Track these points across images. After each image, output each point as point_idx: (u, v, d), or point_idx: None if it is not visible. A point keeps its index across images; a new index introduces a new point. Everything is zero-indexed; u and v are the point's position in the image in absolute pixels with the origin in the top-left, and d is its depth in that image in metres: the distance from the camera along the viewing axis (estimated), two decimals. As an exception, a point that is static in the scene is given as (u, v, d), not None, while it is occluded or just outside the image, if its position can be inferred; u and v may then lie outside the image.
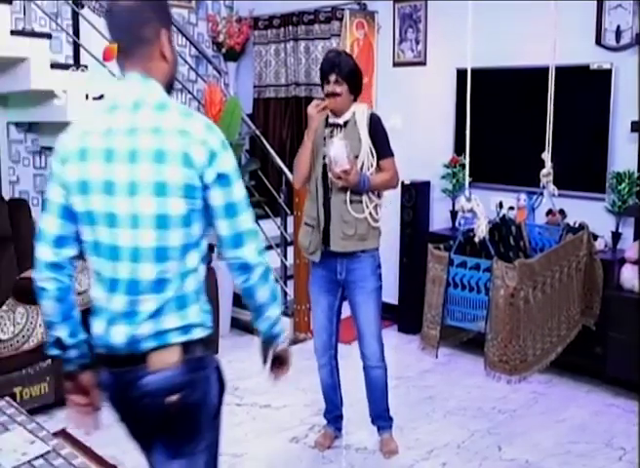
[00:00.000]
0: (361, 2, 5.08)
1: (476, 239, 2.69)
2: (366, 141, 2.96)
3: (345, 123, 3.00)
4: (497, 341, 2.60)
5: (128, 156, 1.57)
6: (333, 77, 2.93)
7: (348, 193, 2.93)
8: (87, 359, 1.75)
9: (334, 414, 3.34)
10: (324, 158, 2.95)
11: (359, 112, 2.99)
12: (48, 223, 1.67)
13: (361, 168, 2.94)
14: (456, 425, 3.49)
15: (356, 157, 2.92)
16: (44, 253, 1.67)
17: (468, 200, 2.66)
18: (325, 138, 3.02)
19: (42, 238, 1.68)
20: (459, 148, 4.63)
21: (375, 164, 2.99)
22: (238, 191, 1.64)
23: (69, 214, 1.66)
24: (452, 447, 3.27)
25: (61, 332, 1.71)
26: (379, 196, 3.05)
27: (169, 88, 1.71)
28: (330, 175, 2.93)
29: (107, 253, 1.62)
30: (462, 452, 3.22)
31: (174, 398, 1.62)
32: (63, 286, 1.69)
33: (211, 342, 1.73)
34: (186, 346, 1.64)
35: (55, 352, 1.75)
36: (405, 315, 4.74)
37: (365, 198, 2.97)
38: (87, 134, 1.63)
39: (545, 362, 2.86)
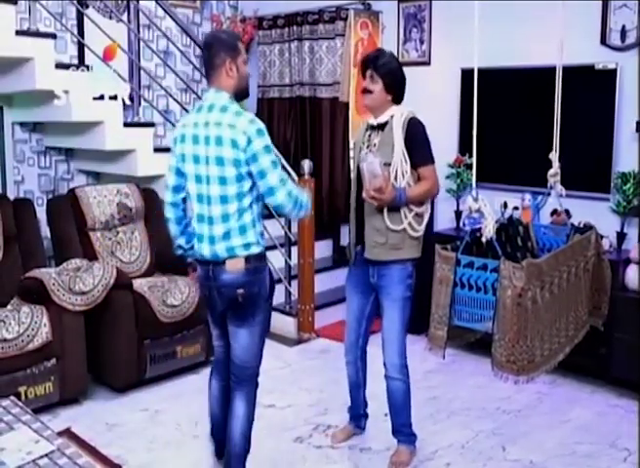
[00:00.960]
0: (365, 2, 5.08)
1: (483, 239, 2.68)
2: (399, 147, 2.84)
3: (383, 126, 2.92)
4: (504, 342, 2.59)
5: (204, 140, 2.49)
6: (368, 72, 2.92)
7: None
8: (196, 257, 2.70)
9: (355, 412, 3.32)
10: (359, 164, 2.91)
11: (397, 115, 2.89)
12: (169, 178, 2.68)
13: (395, 176, 2.84)
14: (460, 425, 3.48)
15: (388, 164, 2.82)
16: (167, 196, 2.71)
17: (476, 200, 2.66)
18: (363, 143, 2.99)
19: (166, 187, 2.70)
20: (463, 148, 4.62)
21: (409, 171, 2.86)
22: (265, 162, 2.46)
23: (179, 173, 2.63)
24: (456, 447, 3.26)
25: (181, 241, 2.77)
26: (421, 203, 2.93)
27: (239, 95, 2.59)
28: (364, 193, 2.84)
29: (196, 198, 2.57)
30: (467, 453, 3.21)
31: (241, 290, 2.56)
32: (179, 215, 2.73)
33: (264, 256, 2.63)
34: (247, 258, 2.55)
35: (179, 252, 2.83)
36: (411, 315, 4.71)
37: (404, 209, 2.87)
38: (184, 125, 2.59)
39: (553, 362, 2.85)
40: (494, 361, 2.64)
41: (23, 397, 3.29)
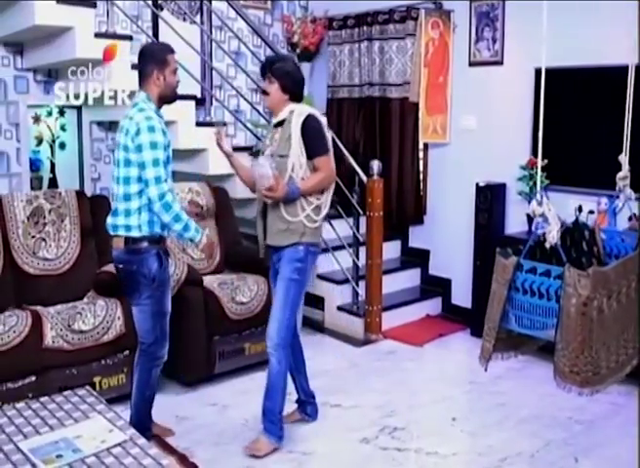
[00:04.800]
0: (437, 1, 5.02)
1: (547, 244, 2.61)
2: (296, 140, 3.04)
3: (282, 123, 3.12)
4: (567, 351, 2.51)
5: (120, 129, 2.90)
6: (267, 75, 3.13)
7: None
8: None
9: (298, 398, 3.44)
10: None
11: (297, 112, 3.10)
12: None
13: (292, 168, 3.04)
14: (529, 434, 3.39)
15: (286, 156, 3.04)
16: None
17: (540, 204, 2.59)
18: (268, 141, 3.20)
19: None
20: (536, 150, 4.50)
21: (304, 163, 3.06)
22: (147, 156, 2.78)
23: None
24: (525, 456, 3.18)
25: None
26: (321, 192, 3.13)
27: (165, 100, 3.00)
28: (257, 193, 3.13)
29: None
30: (536, 462, 3.13)
31: (120, 266, 2.97)
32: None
33: (148, 241, 2.89)
34: (127, 239, 2.88)
35: None
36: (478, 319, 4.60)
37: (302, 202, 3.07)
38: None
39: (620, 375, 2.73)
40: (556, 370, 2.56)
41: (98, 387, 3.40)
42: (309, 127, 3.07)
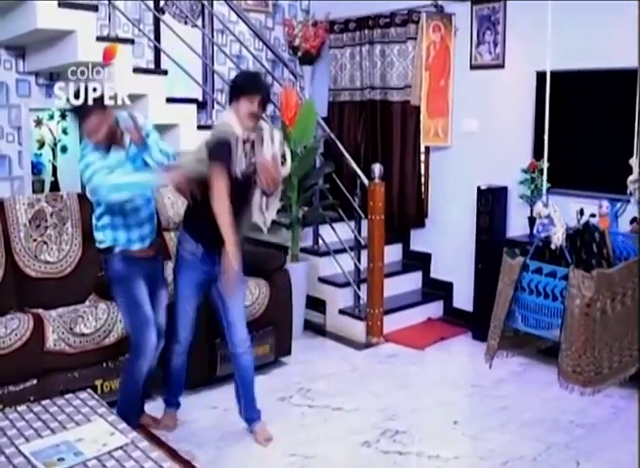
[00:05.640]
0: (438, 4, 5.02)
1: (552, 246, 2.62)
2: None
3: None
4: (570, 352, 2.54)
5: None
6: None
7: None
8: None
9: (177, 399, 3.47)
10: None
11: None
12: None
13: None
14: (531, 437, 3.39)
15: None
16: None
17: (545, 206, 2.61)
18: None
19: None
20: (538, 153, 4.50)
21: None
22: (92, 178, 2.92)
23: None
24: (527, 459, 3.18)
25: None
26: None
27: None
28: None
29: None
30: (538, 466, 3.13)
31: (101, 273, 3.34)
32: None
33: (111, 252, 3.10)
34: (98, 250, 3.18)
35: None
36: (480, 322, 4.62)
37: None
38: None
39: (622, 376, 2.76)
40: (560, 370, 2.59)
41: (99, 390, 3.39)
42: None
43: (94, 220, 3.15)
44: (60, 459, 2.33)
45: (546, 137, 2.65)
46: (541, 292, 2.64)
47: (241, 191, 3.12)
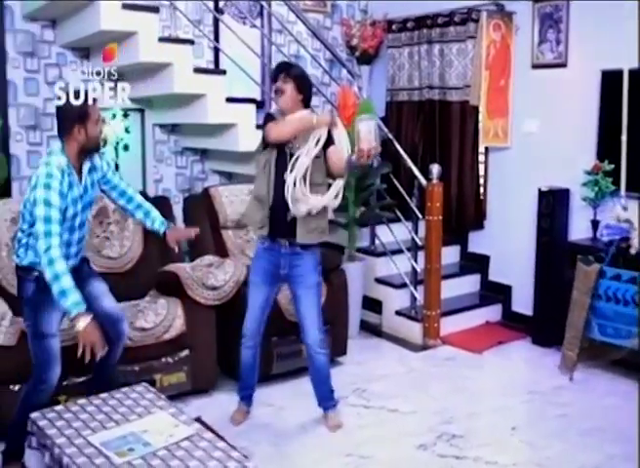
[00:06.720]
0: (498, 3, 4.94)
1: (633, 251, 2.54)
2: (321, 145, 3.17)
3: None
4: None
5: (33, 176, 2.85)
6: (281, 76, 3.19)
7: None
8: None
9: (248, 393, 3.50)
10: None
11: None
12: None
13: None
14: (592, 447, 3.28)
15: (319, 157, 3.17)
16: None
17: (625, 209, 2.52)
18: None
19: None
20: (601, 154, 4.37)
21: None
22: (39, 211, 2.71)
23: None
24: (587, 469, 3.09)
25: None
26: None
27: (89, 151, 2.91)
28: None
29: None
30: (600, 476, 3.04)
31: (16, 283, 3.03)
32: None
33: (26, 270, 2.90)
34: (16, 265, 2.95)
35: None
36: (540, 327, 4.53)
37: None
38: None
39: None
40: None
41: (158, 384, 3.44)
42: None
43: (19, 233, 2.93)
44: (130, 449, 2.38)
45: (624, 138, 2.57)
46: (620, 300, 2.57)
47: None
